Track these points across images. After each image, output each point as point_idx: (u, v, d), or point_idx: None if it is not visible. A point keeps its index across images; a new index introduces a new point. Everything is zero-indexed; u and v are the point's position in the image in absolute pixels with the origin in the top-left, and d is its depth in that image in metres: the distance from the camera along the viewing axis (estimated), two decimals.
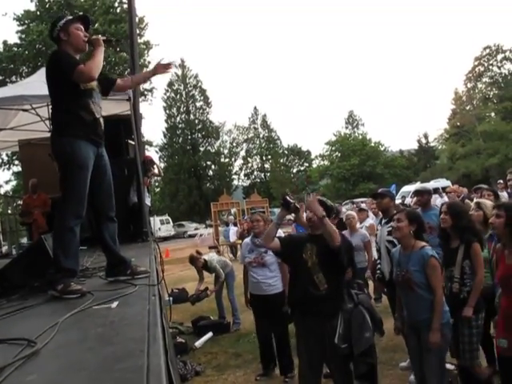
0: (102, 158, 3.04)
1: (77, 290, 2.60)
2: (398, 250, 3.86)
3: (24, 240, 11.30)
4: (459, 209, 3.99)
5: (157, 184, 45.15)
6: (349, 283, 3.80)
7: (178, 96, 51.12)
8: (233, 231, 17.26)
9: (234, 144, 55.35)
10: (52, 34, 3.02)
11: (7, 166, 31.10)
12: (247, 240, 5.61)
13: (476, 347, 3.74)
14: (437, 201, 9.70)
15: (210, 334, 6.97)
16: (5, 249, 10.39)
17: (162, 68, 3.37)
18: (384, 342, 5.20)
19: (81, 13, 28.70)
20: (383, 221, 5.01)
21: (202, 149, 51.00)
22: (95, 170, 2.94)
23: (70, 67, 2.79)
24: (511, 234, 3.16)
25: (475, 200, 4.71)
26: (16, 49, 30.14)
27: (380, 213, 6.73)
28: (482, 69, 46.27)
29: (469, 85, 46.89)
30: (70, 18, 3.04)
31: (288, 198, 3.75)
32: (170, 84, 50.40)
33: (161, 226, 33.39)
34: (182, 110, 51.05)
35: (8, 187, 33.81)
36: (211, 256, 7.92)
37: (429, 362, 3.54)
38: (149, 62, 32.37)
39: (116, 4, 31.65)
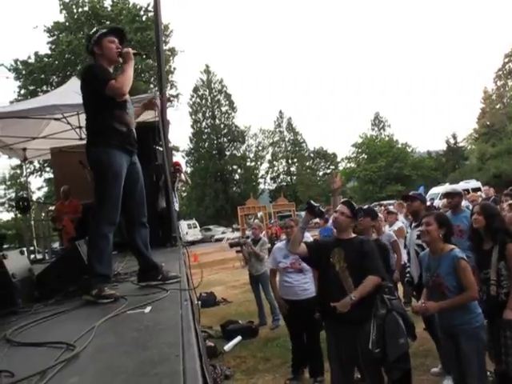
0: (134, 165, 3.12)
1: (110, 295, 2.67)
2: (426, 254, 3.81)
3: (56, 245, 11.58)
4: (492, 209, 3.91)
5: (184, 189, 45.56)
6: (380, 287, 3.75)
7: (204, 101, 51.60)
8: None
9: (260, 148, 55.54)
10: (87, 48, 3.15)
11: (39, 173, 31.96)
12: (280, 245, 5.59)
13: None
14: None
15: (238, 338, 7.00)
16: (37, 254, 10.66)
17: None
18: (415, 346, 5.12)
19: (108, 22, 29.48)
20: (413, 224, 4.95)
21: (227, 153, 51.33)
22: (128, 177, 3.01)
23: (103, 82, 2.88)
24: None
25: (509, 201, 4.60)
26: (46, 59, 31.00)
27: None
28: None
29: (499, 83, 45.82)
30: (104, 31, 3.13)
31: (312, 201, 3.74)
32: (196, 89, 50.96)
33: (188, 230, 33.68)
34: (207, 115, 51.53)
35: (40, 193, 34.72)
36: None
37: (469, 366, 3.47)
38: (174, 69, 32.91)
39: (142, 12, 32.19)
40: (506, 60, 45.00)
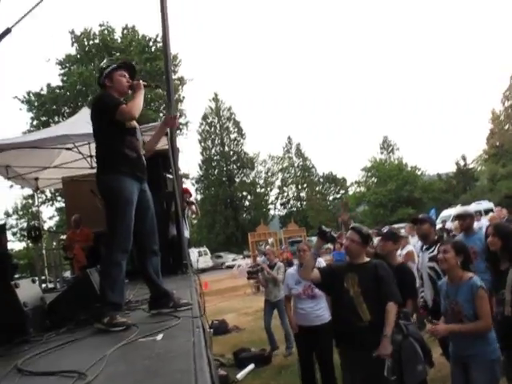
0: (145, 193, 3.14)
1: (122, 323, 2.66)
2: (444, 282, 3.75)
3: (67, 274, 11.59)
4: (507, 229, 3.84)
5: (194, 216, 45.67)
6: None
7: (213, 129, 52.11)
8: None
9: (269, 174, 55.67)
10: (99, 80, 3.24)
11: (51, 203, 32.29)
12: (292, 270, 5.55)
13: None
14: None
15: (251, 366, 6.89)
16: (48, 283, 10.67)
17: (170, 121, 3.71)
18: (433, 373, 4.99)
19: (118, 53, 30.18)
20: (424, 247, 4.88)
21: (237, 180, 51.51)
22: (139, 204, 3.03)
23: (113, 106, 2.96)
24: None
25: None
26: (58, 90, 31.73)
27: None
28: None
29: (506, 103, 45.85)
30: (115, 66, 3.22)
31: (324, 227, 3.72)
32: (205, 117, 51.53)
33: (199, 257, 33.57)
34: (216, 142, 51.96)
35: (51, 223, 34.97)
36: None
37: None
38: (183, 97, 33.44)
39: (151, 43, 32.95)
40: None
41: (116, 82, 3.15)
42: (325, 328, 4.96)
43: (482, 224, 8.20)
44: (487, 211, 21.18)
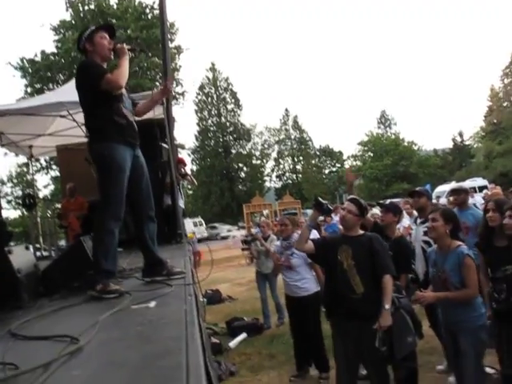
0: (138, 159, 3.11)
1: (115, 290, 2.67)
2: (433, 250, 3.78)
3: (62, 242, 11.64)
4: (508, 205, 3.84)
5: (189, 187, 45.66)
6: None
7: (209, 99, 51.64)
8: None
9: (266, 146, 55.56)
10: (79, 45, 3.14)
11: (45, 171, 32.17)
12: (278, 243, 5.64)
13: None
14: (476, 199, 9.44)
15: (243, 335, 7.00)
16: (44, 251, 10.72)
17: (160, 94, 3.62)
18: (420, 344, 5.08)
19: (114, 20, 29.57)
20: (418, 220, 4.90)
21: (233, 151, 51.38)
22: (132, 171, 3.01)
23: (97, 77, 2.87)
24: None
25: None
26: (53, 57, 31.18)
27: (414, 213, 6.61)
28: None
29: (506, 81, 45.49)
30: (94, 28, 3.13)
31: (320, 199, 3.72)
32: (201, 87, 50.98)
33: (194, 228, 33.72)
34: (213, 112, 51.57)
35: (46, 191, 34.90)
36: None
37: (466, 365, 3.45)
38: (180, 66, 32.98)
39: (147, 10, 32.29)
40: None
41: (97, 44, 3.06)
42: (309, 299, 5.05)
43: (475, 200, 8.27)
44: (481, 188, 21.32)
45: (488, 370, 4.07)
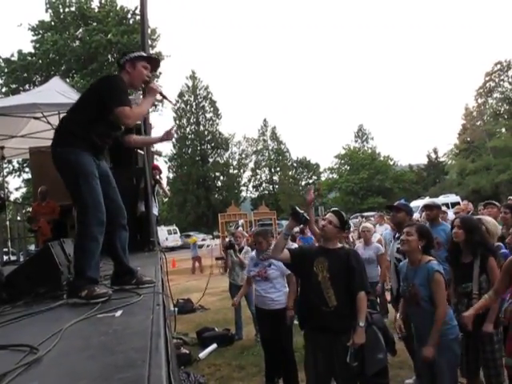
0: (103, 168, 3.00)
1: (103, 294, 2.58)
2: (405, 265, 3.82)
3: (32, 247, 11.37)
4: (472, 223, 3.92)
5: (164, 195, 45.28)
6: None
7: (189, 107, 51.42)
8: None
9: (243, 156, 55.51)
10: (120, 60, 3.06)
11: (18, 173, 31.44)
12: (253, 253, 5.60)
13: (500, 363, 3.63)
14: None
15: (214, 346, 6.93)
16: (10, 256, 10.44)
17: (167, 135, 3.50)
18: (390, 358, 5.12)
19: (94, 23, 29.30)
20: (396, 236, 4.90)
21: (211, 160, 51.18)
22: (100, 179, 2.88)
23: (117, 103, 2.77)
24: None
25: (477, 217, 4.63)
26: (30, 58, 30.62)
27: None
28: (492, 84, 46.19)
29: (479, 100, 46.80)
30: (144, 55, 3.09)
31: (297, 208, 3.71)
32: (181, 95, 50.76)
33: (168, 236, 33.42)
34: (191, 120, 51.35)
35: (18, 194, 34.09)
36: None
37: (441, 378, 3.48)
38: (160, 73, 32.78)
39: (129, 15, 32.11)
40: (487, 78, 46.08)
41: (137, 71, 2.98)
42: (281, 313, 4.98)
43: (450, 217, 8.41)
44: (454, 204, 21.67)
45: None
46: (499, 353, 3.64)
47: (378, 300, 6.53)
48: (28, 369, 1.40)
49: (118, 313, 2.16)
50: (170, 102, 3.61)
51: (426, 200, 19.33)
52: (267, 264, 5.07)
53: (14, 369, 1.38)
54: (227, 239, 14.76)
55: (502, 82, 46.08)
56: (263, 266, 5.18)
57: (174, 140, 50.02)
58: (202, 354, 6.61)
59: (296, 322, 4.49)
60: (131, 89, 3.11)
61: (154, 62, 3.18)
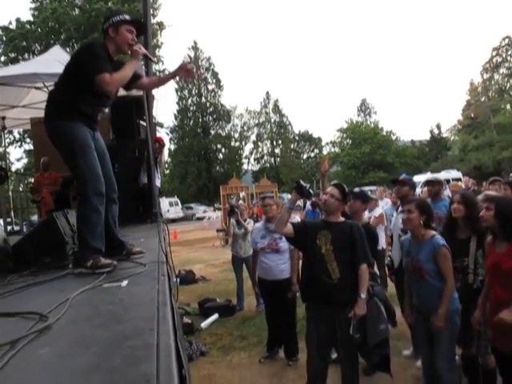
0: (98, 141, 2.99)
1: (108, 264, 2.60)
2: (407, 239, 3.86)
3: (35, 217, 11.44)
4: (472, 199, 3.94)
5: (166, 166, 45.21)
6: None
7: (190, 78, 50.82)
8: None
9: (245, 128, 55.28)
10: (103, 25, 2.99)
11: (19, 144, 31.39)
12: (259, 225, 5.58)
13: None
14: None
15: (215, 316, 7.05)
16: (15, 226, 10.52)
17: (184, 71, 3.29)
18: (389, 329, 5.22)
19: None
20: (400, 209, 4.94)
21: (212, 132, 50.97)
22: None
23: (96, 70, 2.72)
24: (500, 225, 3.19)
25: (484, 193, 4.63)
26: (29, 26, 30.15)
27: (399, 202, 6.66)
28: (499, 59, 45.55)
29: (485, 76, 46.20)
30: (127, 18, 2.99)
31: (301, 181, 3.71)
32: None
33: (169, 207, 33.54)
34: (193, 92, 50.91)
35: (19, 165, 34.10)
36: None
37: (439, 348, 3.56)
38: (162, 43, 32.41)
39: None
40: (494, 53, 45.39)
41: (121, 35, 2.92)
42: (287, 282, 5.05)
43: (449, 192, 8.40)
44: (455, 180, 21.67)
45: None
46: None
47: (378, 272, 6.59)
48: (39, 336, 1.43)
49: (124, 282, 2.19)
50: (152, 61, 3.52)
51: (428, 175, 19.31)
52: (278, 236, 4.95)
53: (25, 336, 1.40)
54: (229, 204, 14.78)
55: (509, 57, 45.43)
56: (273, 238, 5.12)
57: (175, 111, 49.71)
58: (204, 324, 6.73)
59: (298, 294, 4.55)
60: (120, 54, 3.04)
61: (140, 25, 3.10)
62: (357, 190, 5.10)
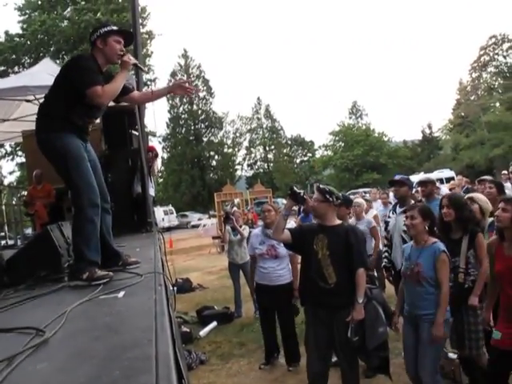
0: (89, 152, 2.98)
1: (104, 276, 2.58)
2: (409, 246, 3.85)
3: (29, 231, 11.37)
4: (460, 201, 3.99)
5: (160, 174, 45.15)
6: None
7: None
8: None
9: (238, 134, 55.32)
10: (90, 37, 2.98)
11: (11, 157, 31.17)
12: (257, 231, 5.56)
13: (482, 336, 3.74)
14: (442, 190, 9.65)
15: (214, 324, 7.02)
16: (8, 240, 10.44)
17: (180, 89, 3.30)
18: (388, 331, 5.21)
19: (83, 2, 28.63)
20: (398, 209, 4.94)
21: (205, 139, 50.93)
22: None
23: (87, 84, 2.72)
24: None
25: (467, 195, 4.66)
26: (18, 39, 30.02)
27: (389, 203, 6.69)
28: (487, 58, 45.91)
29: (474, 75, 46.59)
30: (114, 29, 2.98)
31: (295, 188, 3.72)
32: (173, 74, 50.17)
33: (164, 216, 33.44)
34: (185, 100, 50.86)
35: (12, 178, 33.89)
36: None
37: (423, 356, 3.54)
38: (151, 52, 32.37)
39: None
40: (482, 52, 45.77)
41: (109, 46, 2.91)
42: (285, 288, 5.03)
43: (442, 191, 8.47)
44: (448, 179, 21.80)
45: (450, 355, 4.22)
46: (482, 326, 3.72)
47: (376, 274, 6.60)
48: (36, 351, 1.42)
49: (121, 294, 2.18)
50: (143, 70, 3.52)
51: (421, 175, 19.42)
52: (276, 242, 4.88)
53: (22, 351, 1.39)
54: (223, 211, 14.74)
55: (496, 56, 45.84)
56: (271, 244, 5.08)
57: (167, 119, 49.68)
58: (203, 332, 6.70)
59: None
60: (109, 64, 3.03)
61: (127, 35, 3.10)
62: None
